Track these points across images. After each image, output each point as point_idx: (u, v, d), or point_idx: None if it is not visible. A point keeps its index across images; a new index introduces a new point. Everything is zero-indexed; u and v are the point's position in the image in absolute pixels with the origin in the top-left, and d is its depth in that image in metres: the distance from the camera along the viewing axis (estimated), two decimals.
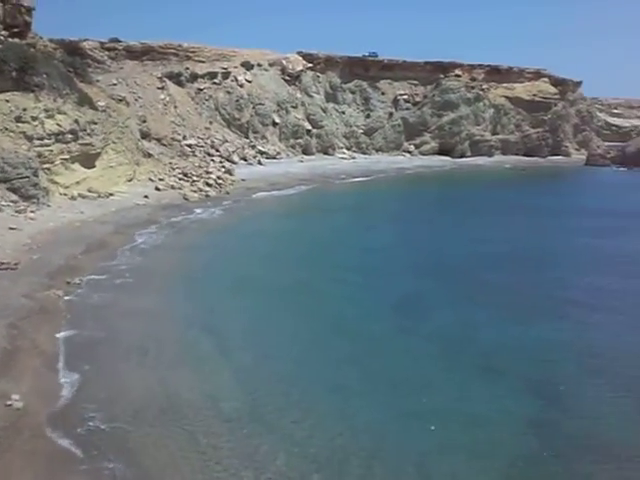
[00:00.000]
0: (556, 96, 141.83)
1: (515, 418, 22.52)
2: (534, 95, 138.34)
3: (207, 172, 76.15)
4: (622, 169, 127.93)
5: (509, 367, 26.79)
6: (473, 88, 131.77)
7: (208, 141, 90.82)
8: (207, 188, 69.29)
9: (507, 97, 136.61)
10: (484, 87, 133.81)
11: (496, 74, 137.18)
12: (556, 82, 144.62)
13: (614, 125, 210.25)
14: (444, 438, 21.10)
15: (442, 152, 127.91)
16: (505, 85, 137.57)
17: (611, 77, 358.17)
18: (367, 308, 34.25)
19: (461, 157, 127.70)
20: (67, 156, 55.41)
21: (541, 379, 25.82)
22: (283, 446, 20.10)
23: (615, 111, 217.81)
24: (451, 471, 19.37)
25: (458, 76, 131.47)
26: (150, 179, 67.41)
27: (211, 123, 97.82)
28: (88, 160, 58.50)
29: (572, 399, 24.27)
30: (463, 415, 22.56)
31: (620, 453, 20.61)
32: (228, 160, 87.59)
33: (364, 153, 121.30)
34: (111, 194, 57.49)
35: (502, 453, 20.40)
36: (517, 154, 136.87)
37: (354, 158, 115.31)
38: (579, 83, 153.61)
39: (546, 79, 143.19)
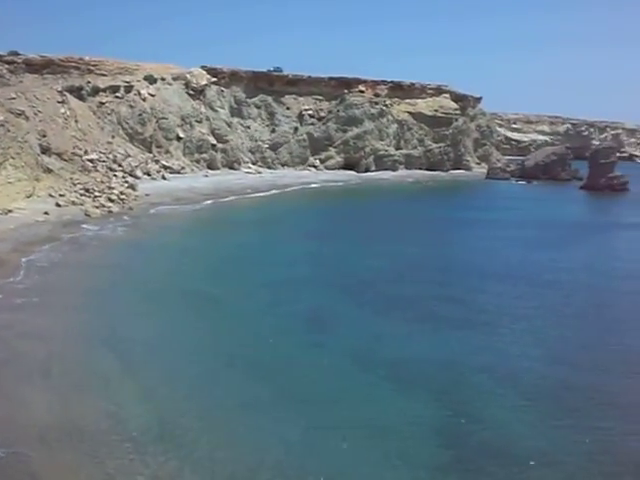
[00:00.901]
0: (457, 111, 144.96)
1: (423, 428, 22.87)
2: (436, 110, 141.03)
3: (109, 187, 74.68)
4: (521, 182, 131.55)
5: (417, 378, 27.20)
6: (377, 104, 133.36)
7: (110, 156, 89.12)
8: (110, 204, 67.93)
9: (410, 112, 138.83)
10: (387, 103, 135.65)
11: (399, 90, 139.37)
12: (457, 98, 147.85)
13: (513, 140, 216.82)
14: (355, 451, 21.23)
15: (347, 166, 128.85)
16: (408, 101, 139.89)
17: (510, 93, 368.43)
18: (276, 323, 34.17)
19: (366, 171, 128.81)
20: None
21: (448, 389, 26.31)
22: (190, 465, 19.84)
23: (514, 126, 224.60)
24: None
25: (362, 92, 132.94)
26: (50, 195, 65.72)
27: (113, 137, 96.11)
28: None
29: (478, 408, 24.79)
30: (373, 427, 22.75)
31: (525, 460, 21.08)
32: (131, 175, 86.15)
33: (270, 168, 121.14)
34: (10, 211, 55.78)
35: (412, 463, 20.68)
36: (420, 168, 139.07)
37: (260, 173, 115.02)
38: (479, 99, 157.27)
39: (447, 95, 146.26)
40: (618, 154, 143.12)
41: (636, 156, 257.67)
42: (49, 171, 71.34)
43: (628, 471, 20.72)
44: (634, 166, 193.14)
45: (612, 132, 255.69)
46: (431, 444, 21.82)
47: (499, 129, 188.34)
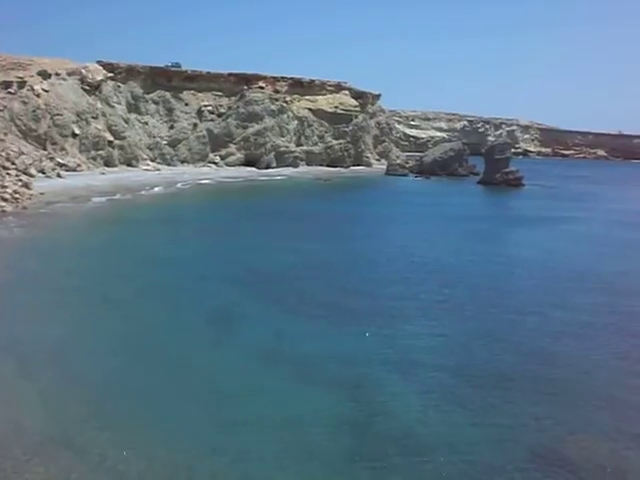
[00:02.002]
0: (357, 108, 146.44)
1: (327, 422, 23.10)
2: (336, 107, 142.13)
3: (2, 186, 72.28)
4: (420, 178, 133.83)
5: (320, 373, 27.40)
6: (277, 100, 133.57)
7: (3, 153, 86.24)
8: (3, 203, 65.84)
9: (310, 109, 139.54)
10: (287, 99, 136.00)
11: (299, 86, 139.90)
12: (356, 95, 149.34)
13: (412, 136, 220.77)
14: (260, 444, 21.31)
15: (248, 163, 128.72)
16: (308, 97, 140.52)
17: (409, 90, 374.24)
18: (179, 322, 33.90)
19: (267, 168, 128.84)
20: None
21: (351, 383, 26.55)
22: (94, 470, 19.51)
23: (413, 123, 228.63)
24: (265, 475, 19.59)
25: (262, 88, 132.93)
26: None
27: (6, 134, 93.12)
28: None
29: (379, 399, 25.20)
30: (277, 422, 22.86)
31: (428, 449, 21.48)
32: (25, 173, 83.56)
33: (169, 164, 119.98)
34: None
35: (316, 456, 20.84)
36: (321, 165, 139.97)
37: (159, 170, 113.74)
38: (378, 96, 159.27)
39: (347, 92, 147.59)
40: (513, 150, 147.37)
41: (530, 152, 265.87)
42: None
43: (527, 458, 21.19)
44: (528, 161, 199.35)
45: (507, 129, 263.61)
46: (334, 437, 22.02)
47: (398, 126, 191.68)
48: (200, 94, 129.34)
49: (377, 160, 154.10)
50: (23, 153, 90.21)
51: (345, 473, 20.04)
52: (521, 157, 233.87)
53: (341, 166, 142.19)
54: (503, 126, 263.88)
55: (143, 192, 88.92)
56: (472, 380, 27.30)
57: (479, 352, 30.83)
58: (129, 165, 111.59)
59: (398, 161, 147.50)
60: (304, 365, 28.11)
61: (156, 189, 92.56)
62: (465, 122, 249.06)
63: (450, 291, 41.73)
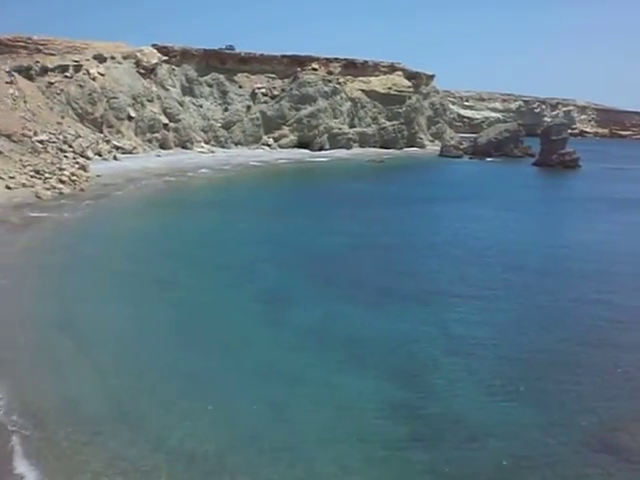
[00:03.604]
0: (410, 89, 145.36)
1: (379, 404, 23.01)
2: (389, 88, 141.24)
3: (60, 169, 73.59)
4: (474, 159, 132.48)
5: (372, 355, 27.39)
6: (330, 81, 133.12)
7: (60, 137, 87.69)
8: (61, 185, 67.02)
9: (363, 90, 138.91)
10: (341, 81, 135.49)
11: (352, 68, 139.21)
12: (410, 75, 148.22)
13: (466, 117, 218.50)
14: (313, 426, 21.39)
15: (301, 145, 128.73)
16: (361, 79, 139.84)
17: (463, 70, 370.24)
18: (233, 302, 34.14)
19: (320, 150, 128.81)
20: None
21: (403, 365, 26.46)
22: (148, 447, 19.78)
23: (467, 103, 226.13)
24: (320, 458, 19.64)
25: (315, 69, 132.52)
26: (0, 177, 64.63)
27: (63, 118, 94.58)
28: None
29: (432, 384, 25.03)
30: (330, 404, 22.90)
31: (480, 433, 21.37)
32: (82, 156, 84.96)
33: (223, 147, 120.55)
34: None
35: (369, 439, 20.78)
36: (374, 146, 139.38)
37: (213, 152, 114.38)
38: (432, 76, 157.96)
39: (400, 73, 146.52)
40: (569, 131, 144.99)
41: (587, 133, 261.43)
42: None
43: (582, 443, 21.05)
44: (585, 142, 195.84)
45: (564, 109, 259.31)
46: (388, 420, 21.94)
47: (452, 107, 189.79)
48: (254, 76, 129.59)
49: (431, 141, 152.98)
50: (80, 136, 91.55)
51: (399, 457, 19.97)
52: (578, 138, 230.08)
53: (394, 148, 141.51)
54: (560, 106, 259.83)
55: (197, 174, 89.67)
56: (527, 365, 27.05)
57: (535, 337, 30.49)
58: (184, 147, 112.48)
59: (452, 142, 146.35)
60: (357, 347, 28.16)
61: (210, 171, 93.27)
62: (521, 102, 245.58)
63: (510, 275, 41.10)
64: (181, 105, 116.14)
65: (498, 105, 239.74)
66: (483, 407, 23.15)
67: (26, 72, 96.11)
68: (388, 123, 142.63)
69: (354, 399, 23.30)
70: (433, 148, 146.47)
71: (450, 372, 26.01)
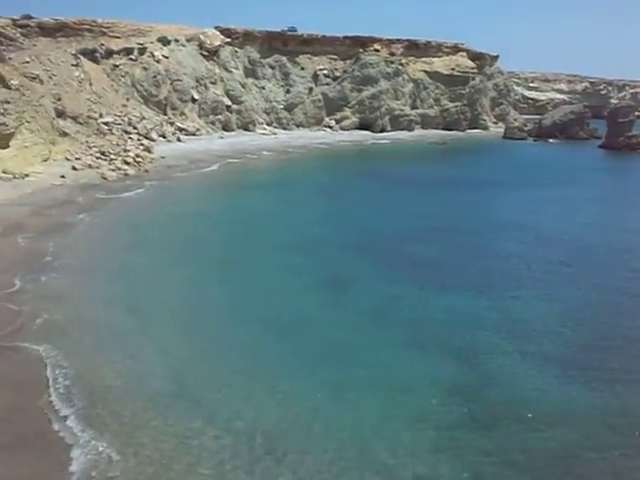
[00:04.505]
0: (474, 70, 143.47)
1: (440, 387, 23.06)
2: (452, 69, 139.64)
3: (125, 150, 74.71)
4: (539, 141, 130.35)
5: (433, 337, 27.43)
6: (392, 63, 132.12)
7: (125, 118, 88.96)
8: (125, 167, 68.03)
9: (426, 71, 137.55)
10: (403, 62, 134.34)
11: (414, 49, 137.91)
12: (474, 56, 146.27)
13: (530, 98, 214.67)
14: (370, 407, 21.53)
15: (363, 127, 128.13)
16: (424, 60, 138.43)
17: (528, 51, 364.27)
18: (298, 283, 34.40)
19: (382, 132, 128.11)
20: None
21: (464, 349, 26.41)
22: (211, 423, 20.16)
23: (532, 85, 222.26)
24: (379, 438, 19.78)
25: (377, 51, 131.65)
26: (67, 158, 65.85)
27: (128, 100, 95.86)
28: (1, 140, 56.84)
29: (494, 368, 24.94)
30: (390, 386, 22.98)
31: (541, 418, 21.30)
32: (146, 137, 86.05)
33: (285, 129, 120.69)
34: (26, 175, 55.91)
35: (429, 421, 20.92)
36: (436, 128, 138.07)
37: (275, 134, 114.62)
38: (496, 57, 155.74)
39: (464, 53, 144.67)
40: (637, 113, 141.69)
41: None
42: (65, 135, 71.38)
43: None
44: None
45: (631, 91, 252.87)
46: (447, 402, 22.05)
47: (516, 88, 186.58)
48: (316, 58, 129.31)
49: (494, 123, 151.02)
50: (144, 118, 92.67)
51: (458, 439, 20.02)
52: None
53: (457, 129, 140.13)
54: (627, 88, 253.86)
55: (259, 156, 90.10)
56: (588, 351, 26.77)
57: (597, 323, 30.16)
58: (246, 129, 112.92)
59: (516, 124, 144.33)
60: (419, 329, 28.19)
61: (272, 153, 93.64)
62: (586, 84, 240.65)
63: (574, 262, 40.59)
64: (243, 87, 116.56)
65: (563, 86, 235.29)
66: (543, 393, 23.00)
67: (91, 55, 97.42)
68: (451, 104, 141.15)
69: (413, 381, 23.37)
70: (496, 130, 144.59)
71: (511, 357, 25.84)
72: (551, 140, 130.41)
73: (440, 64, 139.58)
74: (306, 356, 25.25)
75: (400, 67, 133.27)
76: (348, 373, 23.84)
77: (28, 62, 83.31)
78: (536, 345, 27.04)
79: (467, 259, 40.32)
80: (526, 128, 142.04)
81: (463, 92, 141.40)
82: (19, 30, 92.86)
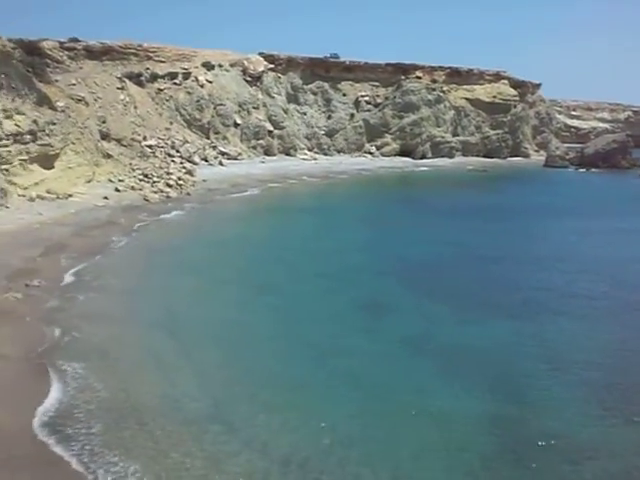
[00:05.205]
0: (516, 98, 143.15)
1: (476, 416, 22.69)
2: (494, 97, 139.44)
3: (168, 173, 75.61)
4: (581, 170, 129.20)
5: (470, 366, 27.04)
6: (434, 90, 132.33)
7: (169, 142, 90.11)
8: (168, 189, 68.81)
9: (467, 99, 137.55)
10: (445, 89, 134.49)
11: (456, 76, 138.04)
12: (516, 84, 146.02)
13: (573, 127, 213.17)
14: (408, 436, 21.23)
15: (403, 153, 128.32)
16: (465, 87, 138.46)
17: (570, 79, 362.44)
18: (332, 308, 34.22)
19: (422, 158, 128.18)
20: (26, 157, 54.74)
21: (501, 378, 26.00)
22: (246, 447, 20.06)
23: (574, 113, 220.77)
24: (415, 468, 19.52)
25: (419, 78, 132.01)
26: (110, 180, 66.74)
27: (172, 123, 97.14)
28: (47, 161, 57.83)
29: (531, 398, 24.48)
30: (425, 413, 22.68)
31: (579, 451, 20.79)
32: (189, 161, 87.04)
33: (325, 154, 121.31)
34: (70, 195, 56.75)
35: (464, 450, 20.56)
36: (477, 155, 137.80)
37: (316, 159, 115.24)
38: (538, 85, 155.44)
39: (506, 81, 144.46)
40: None
41: None
42: (109, 156, 72.43)
43: None
44: None
45: None
46: (483, 432, 21.65)
47: (558, 116, 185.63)
48: (357, 84, 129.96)
49: (535, 151, 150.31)
50: (187, 142, 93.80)
51: (494, 470, 19.65)
52: None
53: (498, 157, 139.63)
54: None
55: (300, 181, 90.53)
56: (630, 385, 26.18)
57: (637, 355, 29.73)
58: (287, 154, 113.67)
59: (558, 152, 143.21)
60: (454, 358, 27.82)
61: (312, 178, 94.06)
62: (629, 112, 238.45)
63: (621, 294, 39.57)
64: (286, 112, 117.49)
65: (606, 115, 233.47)
66: (581, 426, 22.40)
67: (136, 78, 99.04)
68: (492, 132, 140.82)
69: (448, 410, 22.99)
70: (538, 158, 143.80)
71: (549, 388, 25.36)
72: (593, 169, 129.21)
73: (482, 91, 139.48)
74: (342, 383, 25.07)
75: (442, 94, 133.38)
76: (384, 401, 23.64)
77: (74, 84, 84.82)
78: (577, 377, 26.55)
79: (507, 288, 39.89)
80: (568, 157, 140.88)
81: (505, 120, 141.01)
82: (66, 53, 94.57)
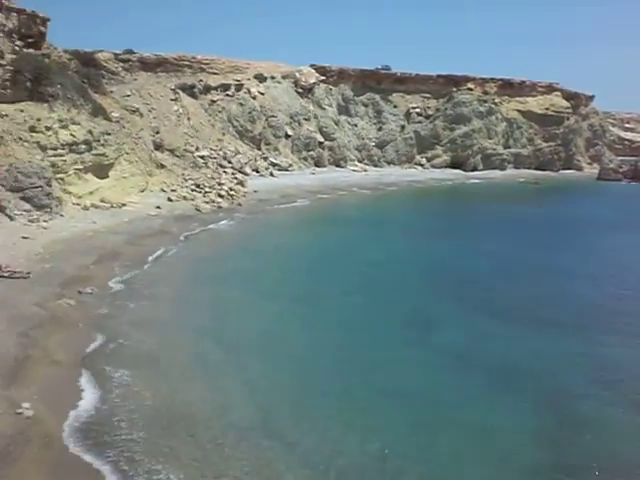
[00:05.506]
0: (568, 110, 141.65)
1: (525, 432, 22.50)
2: (546, 109, 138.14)
3: (219, 183, 76.35)
4: (634, 183, 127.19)
5: (519, 381, 26.81)
6: (485, 102, 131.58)
7: (221, 152, 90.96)
8: (219, 199, 69.53)
9: (519, 111, 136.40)
10: (496, 101, 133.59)
11: (508, 88, 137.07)
12: (568, 96, 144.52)
13: (626, 139, 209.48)
14: (454, 450, 21.16)
15: (454, 165, 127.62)
16: (517, 99, 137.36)
17: (624, 91, 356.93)
18: (381, 320, 34.28)
19: (473, 170, 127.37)
20: (80, 166, 55.80)
21: (552, 394, 25.77)
22: (293, 458, 20.17)
23: (628, 125, 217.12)
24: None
25: (470, 89, 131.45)
26: (163, 190, 67.66)
27: (224, 135, 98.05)
28: (101, 170, 58.88)
29: (582, 414, 24.18)
30: (473, 427, 22.60)
31: (626, 473, 20.53)
32: (240, 172, 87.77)
33: (376, 166, 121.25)
34: (124, 204, 57.64)
35: (512, 467, 20.42)
36: (529, 168, 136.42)
37: (366, 171, 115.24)
38: (591, 97, 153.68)
39: (558, 93, 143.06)
40: None
41: None
42: (162, 167, 73.46)
43: None
44: None
45: None
46: (532, 448, 21.45)
47: (612, 128, 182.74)
48: (409, 96, 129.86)
49: (588, 164, 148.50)
50: (239, 152, 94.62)
51: None
52: None
53: (550, 169, 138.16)
54: None
55: (350, 192, 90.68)
56: None
57: None
58: (337, 166, 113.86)
59: (611, 165, 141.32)
60: (503, 372, 27.59)
61: (362, 190, 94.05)
62: None
63: None
64: (336, 124, 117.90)
65: None
66: (634, 443, 22.24)
67: (190, 90, 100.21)
68: (544, 144, 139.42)
69: (496, 423, 22.86)
70: (590, 171, 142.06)
71: (600, 405, 24.93)
72: None
73: (534, 103, 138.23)
74: (387, 394, 25.06)
75: (493, 106, 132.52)
76: (428, 413, 23.60)
77: (129, 95, 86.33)
78: (630, 394, 26.23)
79: (559, 303, 39.36)
80: (621, 170, 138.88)
81: (557, 132, 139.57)
82: (121, 64, 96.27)
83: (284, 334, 31.59)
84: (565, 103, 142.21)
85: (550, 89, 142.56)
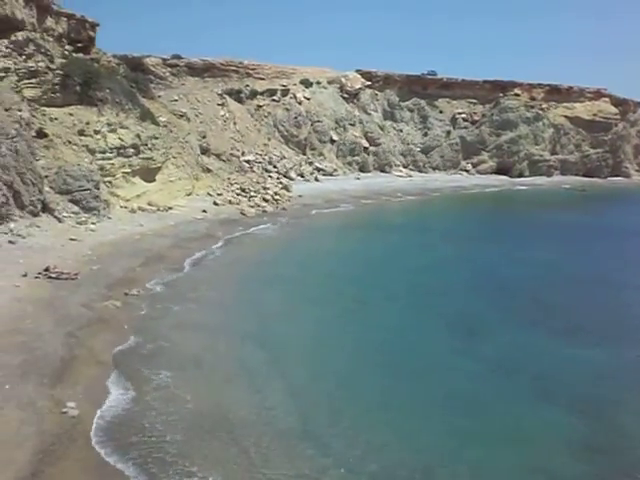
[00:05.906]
0: (617, 116, 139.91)
1: (565, 440, 22.31)
2: (594, 115, 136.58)
3: (264, 188, 76.79)
4: None
5: (561, 390, 26.56)
6: (532, 107, 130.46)
7: (266, 157, 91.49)
8: (264, 204, 69.90)
9: (567, 117, 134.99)
10: (543, 106, 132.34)
11: (556, 93, 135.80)
12: (617, 102, 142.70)
13: None
14: (497, 459, 21.08)
15: (500, 171, 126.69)
16: (565, 105, 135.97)
17: None
18: (423, 327, 34.19)
19: (519, 177, 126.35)
20: (128, 170, 56.60)
21: (594, 404, 25.47)
22: (335, 464, 20.15)
23: None
24: None
25: (517, 95, 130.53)
26: (209, 194, 68.22)
27: (269, 139, 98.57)
28: (149, 174, 59.62)
29: (624, 424, 23.93)
30: (513, 436, 22.46)
31: None
32: (285, 176, 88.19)
33: (421, 171, 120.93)
34: (170, 208, 58.29)
35: (555, 472, 20.34)
36: (576, 174, 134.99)
37: (411, 176, 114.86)
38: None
39: (607, 99, 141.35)
40: None
41: None
42: (208, 171, 74.05)
43: None
44: None
45: None
46: (573, 458, 21.29)
47: None
48: (454, 102, 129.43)
49: (636, 171, 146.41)
50: (284, 157, 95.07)
51: None
52: None
53: (597, 176, 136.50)
54: None
55: (394, 198, 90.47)
56: None
57: None
58: (382, 171, 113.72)
59: None
60: (545, 380, 27.39)
61: (407, 195, 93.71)
62: None
63: None
64: (382, 129, 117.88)
65: None
66: None
67: (236, 95, 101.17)
68: (592, 151, 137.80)
69: (538, 433, 22.68)
70: (639, 178, 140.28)
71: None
72: None
73: (582, 109, 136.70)
74: (431, 402, 25.02)
75: (540, 112, 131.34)
76: (472, 422, 23.41)
77: (176, 100, 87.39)
78: None
79: (605, 313, 38.89)
80: None
81: (605, 138, 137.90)
82: (169, 69, 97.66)
83: (327, 339, 31.68)
84: (613, 109, 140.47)
85: (598, 95, 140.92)
